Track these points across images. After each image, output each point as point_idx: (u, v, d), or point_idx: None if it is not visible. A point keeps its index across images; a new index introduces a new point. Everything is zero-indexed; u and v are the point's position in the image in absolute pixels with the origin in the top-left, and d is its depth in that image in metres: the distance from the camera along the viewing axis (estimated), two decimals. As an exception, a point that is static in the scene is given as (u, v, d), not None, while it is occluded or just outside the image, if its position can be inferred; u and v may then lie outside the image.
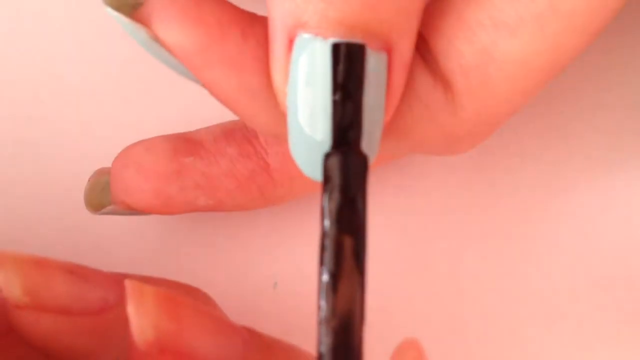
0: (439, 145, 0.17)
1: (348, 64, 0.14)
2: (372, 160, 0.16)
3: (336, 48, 0.15)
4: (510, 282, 0.22)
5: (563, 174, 0.23)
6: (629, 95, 0.23)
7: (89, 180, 0.21)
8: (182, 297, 0.16)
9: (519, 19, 0.15)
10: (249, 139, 0.20)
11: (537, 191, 0.23)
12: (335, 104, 0.15)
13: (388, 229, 0.23)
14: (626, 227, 0.23)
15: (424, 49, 0.16)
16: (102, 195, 0.21)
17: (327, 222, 0.14)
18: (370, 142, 0.16)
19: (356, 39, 0.15)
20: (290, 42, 0.15)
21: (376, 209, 0.23)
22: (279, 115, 0.16)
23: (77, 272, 0.17)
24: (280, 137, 0.17)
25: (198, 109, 0.22)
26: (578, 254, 0.22)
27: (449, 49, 0.16)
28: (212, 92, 0.17)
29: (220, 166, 0.20)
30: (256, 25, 0.16)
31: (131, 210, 0.20)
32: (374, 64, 0.15)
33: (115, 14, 0.16)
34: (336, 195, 0.14)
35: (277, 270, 0.22)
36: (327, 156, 0.14)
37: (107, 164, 0.21)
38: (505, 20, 0.15)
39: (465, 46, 0.16)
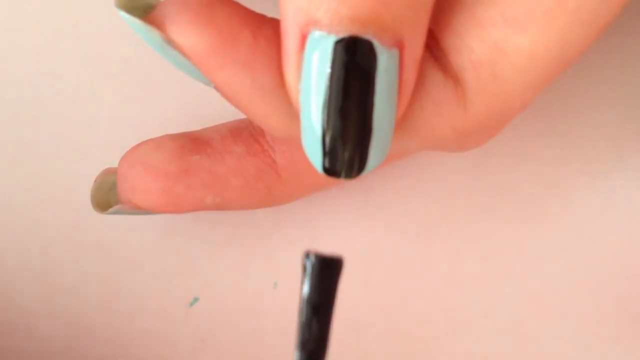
0: (449, 142, 0.17)
1: (321, 279, 0.14)
2: (384, 157, 0.16)
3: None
4: (510, 282, 0.22)
5: (563, 174, 0.23)
6: (629, 95, 0.23)
7: (95, 181, 0.21)
8: None
9: (529, 14, 0.16)
10: (256, 137, 0.20)
11: (537, 191, 0.23)
12: (302, 323, 0.14)
13: (388, 229, 0.23)
14: (626, 227, 0.23)
15: (434, 45, 0.17)
16: (109, 195, 0.21)
17: None
18: (382, 139, 0.16)
19: (368, 36, 0.15)
20: (303, 40, 0.15)
21: (376, 209, 0.23)
22: (292, 114, 0.16)
23: None
24: (293, 137, 0.17)
25: (204, 108, 0.22)
26: (578, 254, 0.22)
27: (460, 46, 0.16)
28: (225, 94, 0.17)
29: (227, 164, 0.20)
30: (266, 26, 0.16)
31: (138, 210, 0.20)
32: (385, 61, 0.15)
33: (128, 17, 0.16)
34: None
35: (277, 270, 0.22)
36: None
37: (112, 163, 0.21)
38: (516, 16, 0.16)
39: (477, 43, 0.16)
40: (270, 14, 0.17)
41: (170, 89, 0.23)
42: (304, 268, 0.13)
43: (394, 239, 0.23)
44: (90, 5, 0.24)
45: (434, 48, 0.17)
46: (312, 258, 0.13)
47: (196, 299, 0.22)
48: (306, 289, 0.13)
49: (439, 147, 0.18)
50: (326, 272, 0.13)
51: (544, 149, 0.23)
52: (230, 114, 0.19)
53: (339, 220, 0.23)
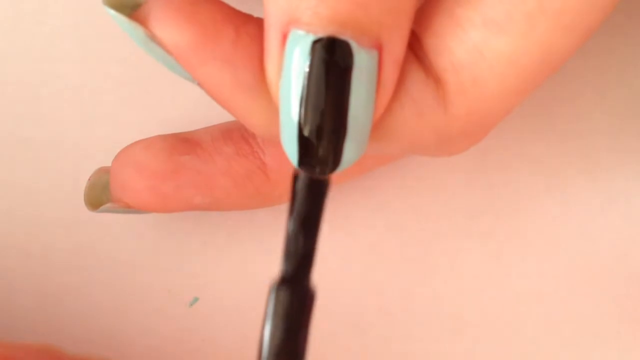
0: (431, 145, 0.17)
1: (309, 195, 0.15)
2: (359, 155, 0.16)
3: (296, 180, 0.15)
4: (510, 282, 0.22)
5: (563, 174, 0.23)
6: (629, 96, 0.23)
7: (89, 179, 0.21)
8: None
9: (509, 17, 0.16)
10: (246, 139, 0.20)
11: (537, 191, 0.23)
12: (289, 235, 0.15)
13: (388, 229, 0.23)
14: (626, 227, 0.23)
15: (416, 46, 0.17)
16: (102, 194, 0.21)
17: (265, 353, 0.14)
18: (358, 136, 0.16)
19: (346, 36, 0.15)
20: (284, 38, 0.15)
21: (376, 209, 0.23)
22: (272, 112, 0.17)
23: None
24: (274, 135, 0.17)
25: (197, 110, 0.22)
26: (578, 254, 0.22)
27: (440, 46, 0.16)
28: (207, 90, 0.17)
29: (217, 165, 0.20)
30: (250, 24, 0.17)
31: (129, 209, 0.20)
32: (363, 61, 0.15)
33: (113, 12, 0.17)
34: (279, 332, 0.14)
35: (277, 270, 0.22)
36: (276, 288, 0.15)
37: (108, 163, 0.21)
38: (495, 19, 0.16)
39: (456, 44, 0.16)
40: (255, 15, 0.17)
41: (169, 89, 0.23)
42: (294, 185, 0.14)
43: (394, 239, 0.23)
44: (90, 5, 0.24)
45: (417, 49, 0.17)
46: (302, 177, 0.14)
47: (196, 299, 0.22)
48: (295, 204, 0.14)
49: (422, 150, 0.18)
50: (315, 189, 0.14)
51: (544, 149, 0.23)
52: (226, 114, 0.19)
53: (339, 220, 0.23)
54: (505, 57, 0.16)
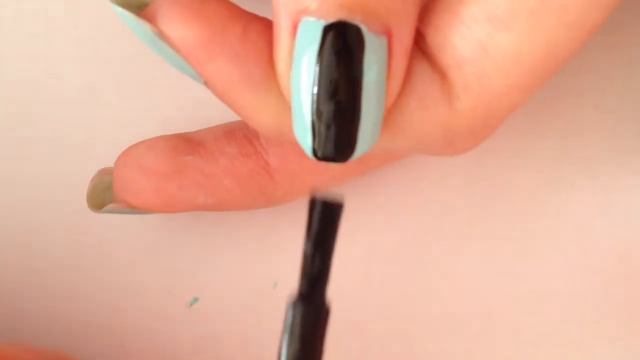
0: (437, 141, 0.18)
1: (323, 220, 0.15)
2: (373, 143, 0.16)
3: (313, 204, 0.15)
4: (510, 282, 0.22)
5: (563, 174, 0.23)
6: (629, 96, 0.23)
7: (91, 180, 0.21)
8: None
9: (513, 13, 0.16)
10: (250, 139, 0.20)
11: (537, 191, 0.23)
12: (306, 256, 0.15)
13: (388, 229, 0.23)
14: (626, 227, 0.23)
15: (421, 42, 0.17)
16: (105, 195, 0.21)
17: None
18: (372, 124, 0.16)
19: (356, 21, 0.15)
20: (294, 28, 0.15)
21: (376, 209, 0.23)
22: (280, 107, 0.17)
23: None
24: (281, 133, 0.17)
25: (200, 110, 0.22)
26: (578, 253, 0.22)
27: (443, 43, 0.16)
28: (214, 88, 0.17)
29: (220, 165, 0.20)
30: (256, 22, 0.17)
31: (132, 209, 0.20)
32: (374, 46, 0.15)
33: (120, 10, 0.17)
34: (295, 344, 0.15)
35: (277, 270, 0.22)
36: (293, 304, 0.15)
37: (112, 164, 0.21)
38: (499, 15, 0.16)
39: (460, 40, 0.16)
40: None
41: (170, 89, 0.23)
42: (310, 210, 0.15)
43: (394, 239, 0.23)
44: (90, 5, 0.24)
45: (422, 45, 0.17)
46: (318, 201, 0.14)
47: (196, 299, 0.22)
48: (311, 227, 0.15)
49: (428, 147, 0.18)
50: (329, 214, 0.15)
51: (544, 149, 0.23)
52: (230, 114, 0.19)
53: (339, 220, 0.23)
54: (508, 53, 0.16)
